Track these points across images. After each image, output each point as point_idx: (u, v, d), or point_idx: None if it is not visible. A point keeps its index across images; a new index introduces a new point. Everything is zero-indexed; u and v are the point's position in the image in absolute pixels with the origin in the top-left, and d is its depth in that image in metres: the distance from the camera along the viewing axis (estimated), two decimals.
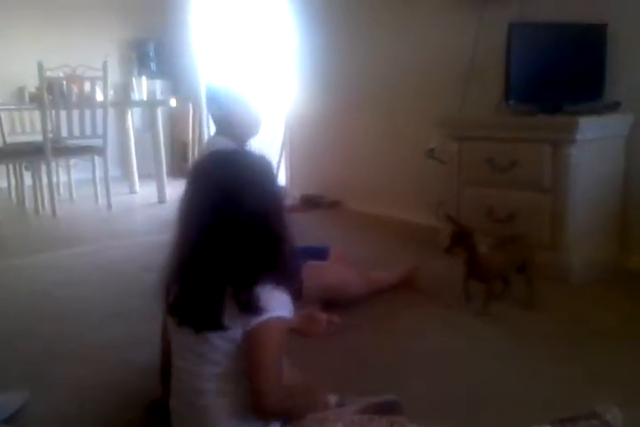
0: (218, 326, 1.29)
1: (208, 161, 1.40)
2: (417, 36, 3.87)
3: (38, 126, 4.83)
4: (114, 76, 5.62)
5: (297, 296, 2.32)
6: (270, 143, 5.08)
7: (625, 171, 2.90)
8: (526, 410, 1.74)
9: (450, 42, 3.65)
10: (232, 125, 2.55)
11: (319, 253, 2.67)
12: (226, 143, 2.49)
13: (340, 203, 4.63)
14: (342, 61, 4.46)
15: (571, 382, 1.89)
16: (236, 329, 1.29)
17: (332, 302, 2.44)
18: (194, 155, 5.06)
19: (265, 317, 1.29)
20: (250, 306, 1.28)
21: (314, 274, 2.42)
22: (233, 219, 1.30)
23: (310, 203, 4.65)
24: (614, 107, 2.84)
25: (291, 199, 4.68)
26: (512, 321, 2.41)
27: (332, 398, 1.57)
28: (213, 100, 2.59)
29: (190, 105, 5.19)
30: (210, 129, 5.77)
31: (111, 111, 5.21)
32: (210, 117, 2.75)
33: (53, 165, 4.79)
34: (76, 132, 4.68)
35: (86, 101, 4.72)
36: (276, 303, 1.31)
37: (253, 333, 1.29)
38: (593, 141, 2.73)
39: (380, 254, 3.34)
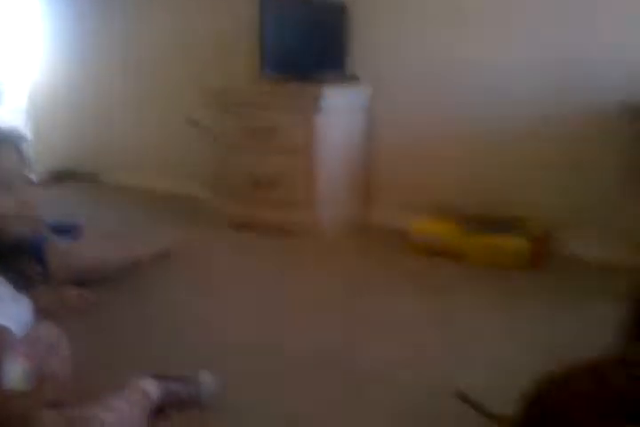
0: None
1: None
2: (177, 7, 3.78)
3: None
4: None
5: (44, 278, 2.14)
6: (14, 114, 4.52)
7: (366, 136, 3.22)
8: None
9: (209, 13, 3.64)
10: None
11: (70, 230, 2.51)
12: None
13: (97, 176, 4.35)
14: (98, 26, 4.15)
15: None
16: None
17: (89, 280, 2.32)
18: None
19: None
20: None
21: (64, 253, 2.28)
22: None
23: (63, 177, 4.28)
24: (353, 79, 3.12)
25: (38, 174, 4.25)
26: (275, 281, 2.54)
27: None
28: None
29: None
30: None
31: None
32: None
33: None
34: None
35: None
36: None
37: None
38: (338, 109, 2.97)
39: (141, 227, 3.23)
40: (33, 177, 3.92)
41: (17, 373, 1.28)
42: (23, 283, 1.25)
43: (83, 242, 2.48)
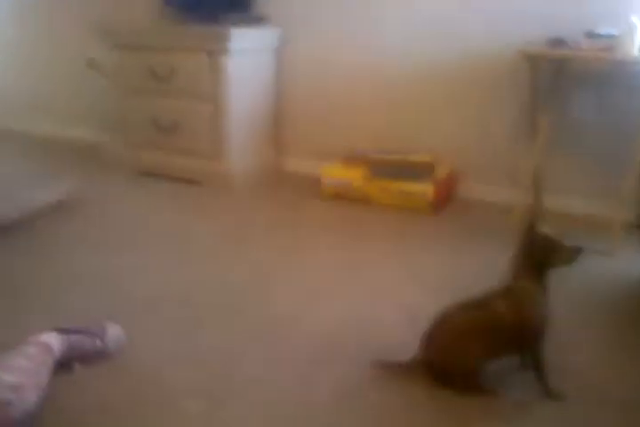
0: None
1: None
2: None
3: None
4: None
5: None
6: None
7: (276, 81, 3.15)
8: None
9: None
10: None
11: None
12: None
13: None
14: None
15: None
16: None
17: None
18: None
19: None
20: None
21: None
22: None
23: None
24: (260, 20, 3.00)
25: None
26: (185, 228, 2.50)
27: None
28: None
29: None
30: None
31: None
32: None
33: None
34: None
35: None
36: None
37: None
38: (246, 52, 2.87)
39: (37, 176, 3.02)
40: None
41: None
42: None
43: None
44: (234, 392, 1.46)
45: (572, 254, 1.42)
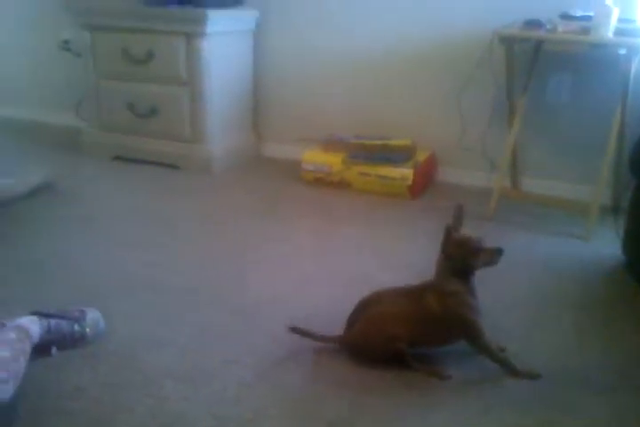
0: None
1: None
2: None
3: None
4: None
5: None
6: None
7: (253, 65, 3.11)
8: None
9: None
10: None
11: None
12: None
13: None
14: None
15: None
16: None
17: None
18: None
19: None
20: None
21: None
22: None
23: None
24: (237, 2, 2.96)
25: None
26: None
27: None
28: None
29: None
30: None
31: None
32: None
33: None
34: None
35: None
36: None
37: None
38: (223, 35, 2.83)
39: (13, 161, 2.99)
40: None
41: None
42: None
43: None
44: (212, 375, 1.47)
45: (493, 256, 1.44)
